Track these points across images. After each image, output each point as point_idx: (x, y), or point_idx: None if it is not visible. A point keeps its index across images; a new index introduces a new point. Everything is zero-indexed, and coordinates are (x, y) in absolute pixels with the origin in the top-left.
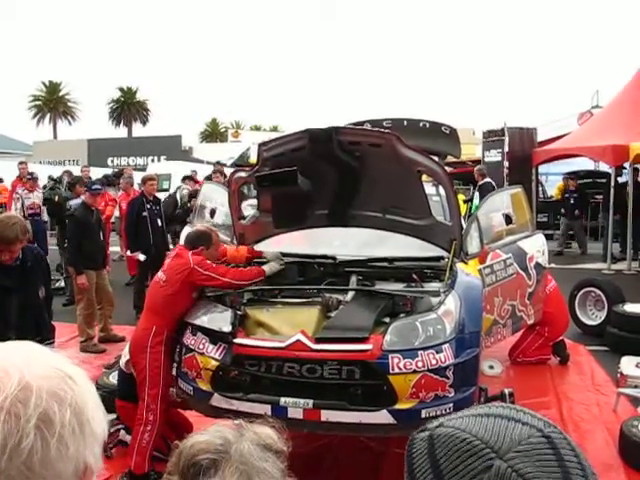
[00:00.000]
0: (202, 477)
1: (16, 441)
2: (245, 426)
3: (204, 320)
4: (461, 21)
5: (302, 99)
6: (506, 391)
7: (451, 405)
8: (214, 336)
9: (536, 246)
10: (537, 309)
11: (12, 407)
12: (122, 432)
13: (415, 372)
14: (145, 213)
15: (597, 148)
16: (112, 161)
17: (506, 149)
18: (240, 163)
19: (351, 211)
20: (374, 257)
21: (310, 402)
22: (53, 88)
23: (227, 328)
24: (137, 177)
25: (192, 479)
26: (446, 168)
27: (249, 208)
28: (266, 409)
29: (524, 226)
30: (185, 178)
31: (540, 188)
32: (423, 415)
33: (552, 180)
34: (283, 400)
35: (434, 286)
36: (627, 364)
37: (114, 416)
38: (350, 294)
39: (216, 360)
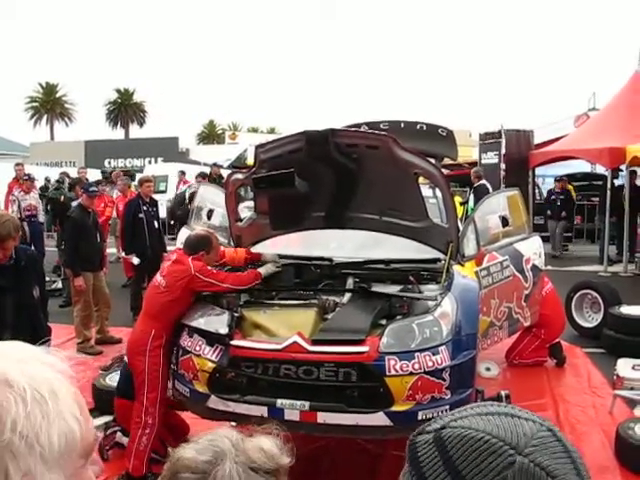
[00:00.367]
0: None
1: None
2: (241, 440)
3: (201, 322)
4: (458, 23)
5: (299, 101)
6: (503, 393)
7: (447, 407)
8: (211, 338)
9: (532, 248)
10: (533, 311)
11: None
12: (119, 434)
13: (412, 374)
14: (141, 215)
15: (594, 150)
16: (109, 163)
17: (503, 151)
18: (237, 165)
19: (348, 213)
20: (371, 259)
21: (307, 404)
22: (50, 89)
23: (224, 330)
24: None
25: None
26: (443, 170)
27: (246, 210)
28: (263, 411)
29: (520, 228)
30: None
31: (537, 190)
32: (420, 417)
33: (549, 182)
34: (280, 402)
35: (431, 288)
36: (623, 366)
37: (109, 418)
38: (347, 296)
39: (213, 362)
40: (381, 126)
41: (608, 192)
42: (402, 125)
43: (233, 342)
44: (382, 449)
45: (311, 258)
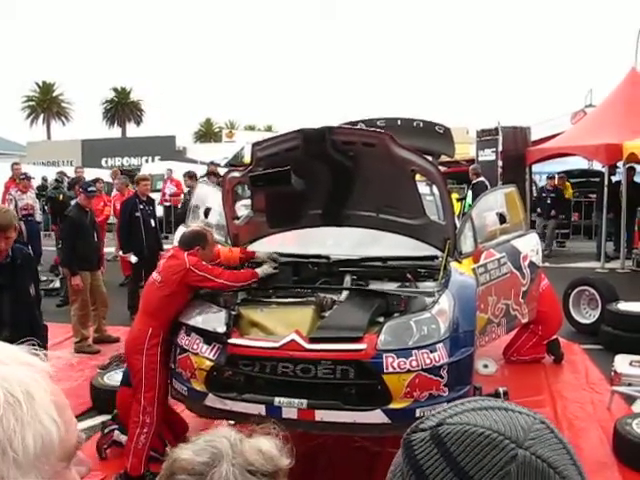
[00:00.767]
0: None
1: None
2: (239, 441)
3: (198, 320)
4: (455, 21)
5: (296, 99)
6: (500, 390)
7: (445, 404)
8: (208, 336)
9: (530, 245)
10: (531, 308)
11: None
12: (116, 432)
13: (409, 371)
14: (138, 213)
15: (590, 147)
16: (106, 162)
17: (500, 148)
18: (234, 163)
19: (345, 211)
20: (368, 257)
21: (304, 402)
22: (47, 88)
23: (221, 328)
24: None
25: None
26: (440, 167)
27: (243, 208)
28: (260, 409)
29: (518, 225)
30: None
31: (534, 187)
32: (417, 414)
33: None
34: (277, 400)
35: (428, 285)
36: (621, 362)
37: (108, 417)
38: (344, 294)
39: (210, 360)
40: (378, 123)
41: (605, 189)
42: (399, 122)
43: (231, 340)
44: (380, 447)
45: (308, 256)
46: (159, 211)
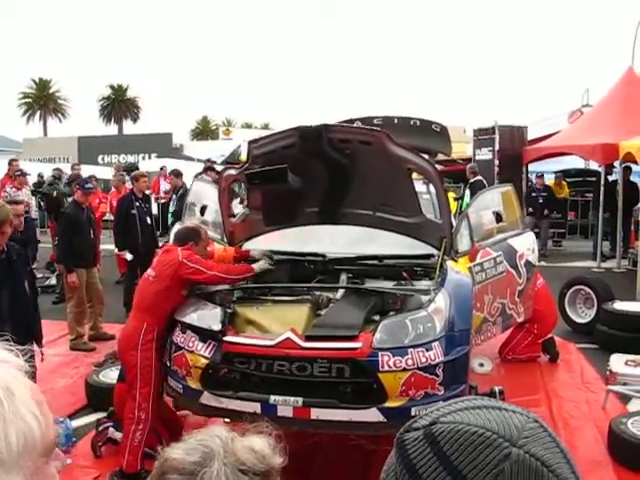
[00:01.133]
0: None
1: None
2: (231, 440)
3: (194, 318)
4: (452, 20)
5: (293, 97)
6: (496, 389)
7: (441, 403)
8: (204, 334)
9: (526, 244)
10: (527, 307)
11: None
12: (111, 430)
13: (405, 370)
14: (134, 211)
15: (587, 147)
16: (102, 159)
17: (497, 147)
18: (231, 161)
19: (341, 209)
20: (364, 255)
21: (300, 400)
22: (43, 85)
23: (217, 326)
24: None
25: None
26: (436, 166)
27: (239, 206)
28: (256, 407)
29: (514, 224)
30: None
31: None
32: (413, 413)
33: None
34: (273, 398)
35: (424, 284)
36: (616, 362)
37: (102, 415)
38: (340, 292)
39: (206, 358)
40: (375, 122)
41: (601, 188)
42: (396, 121)
43: (226, 338)
44: (375, 445)
45: (304, 254)
46: (154, 208)
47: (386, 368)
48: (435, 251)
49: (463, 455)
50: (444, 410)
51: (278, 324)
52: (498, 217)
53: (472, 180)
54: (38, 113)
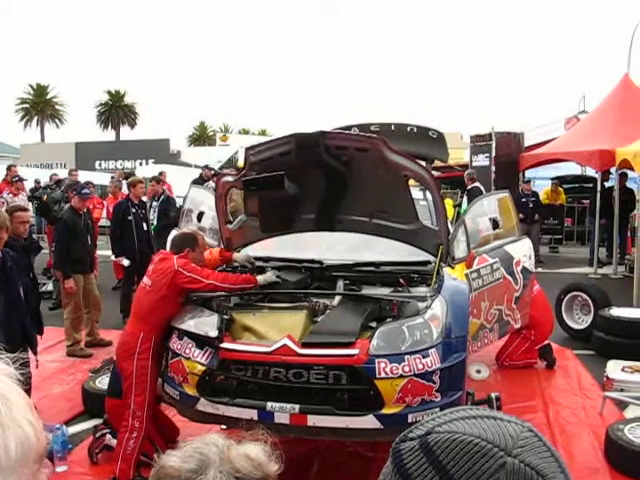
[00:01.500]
0: None
1: None
2: (227, 447)
3: (190, 324)
4: (449, 27)
5: (290, 103)
6: (493, 395)
7: (438, 410)
8: (200, 341)
9: (523, 251)
10: (524, 313)
11: None
12: (108, 436)
13: (402, 377)
14: (130, 217)
15: (584, 153)
16: (100, 164)
17: (493, 154)
18: (228, 167)
19: (338, 215)
20: (361, 261)
21: (297, 407)
22: (41, 91)
23: (213, 333)
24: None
25: None
26: (433, 173)
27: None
28: (252, 414)
29: (511, 231)
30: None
31: None
32: (410, 420)
33: (539, 185)
34: (269, 405)
35: (421, 291)
36: (613, 368)
37: (99, 421)
38: (337, 298)
39: (202, 365)
40: (372, 128)
41: (598, 194)
42: (393, 127)
43: (223, 345)
44: (373, 452)
45: (301, 260)
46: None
47: (383, 375)
48: (432, 258)
49: (459, 465)
50: (439, 420)
51: (275, 331)
52: (495, 224)
53: (470, 187)
54: (35, 119)
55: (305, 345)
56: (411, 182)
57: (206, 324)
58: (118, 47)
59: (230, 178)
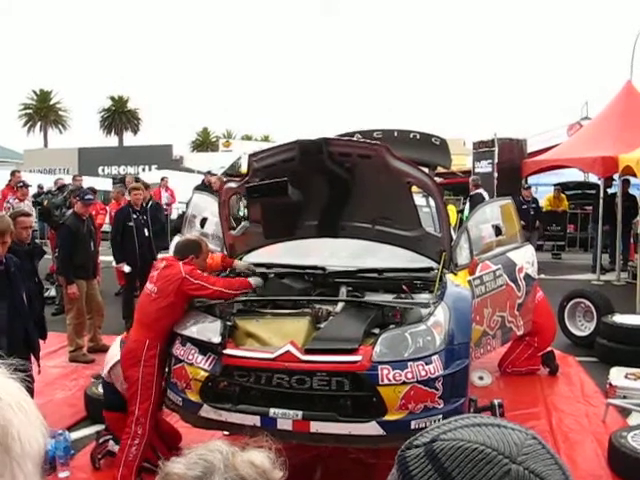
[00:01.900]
0: None
1: None
2: (232, 454)
3: (193, 331)
4: (452, 33)
5: (293, 109)
6: (496, 402)
7: (440, 416)
8: (203, 347)
9: (525, 257)
10: (526, 320)
11: None
12: (111, 442)
13: (405, 383)
14: (131, 223)
15: (586, 159)
16: (103, 170)
17: (496, 160)
18: (231, 173)
19: (341, 222)
20: (364, 268)
21: (299, 413)
22: (44, 96)
23: (216, 339)
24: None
25: None
26: (436, 179)
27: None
28: (255, 420)
29: (514, 237)
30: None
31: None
32: (412, 426)
33: (542, 191)
34: (272, 411)
35: (424, 297)
36: (616, 375)
37: (102, 427)
38: (340, 305)
39: (205, 371)
40: (374, 135)
41: (601, 201)
42: (395, 134)
43: (226, 351)
44: (375, 459)
45: (304, 267)
46: None
47: (386, 381)
48: (435, 264)
49: (464, 472)
50: (444, 427)
51: (278, 337)
52: (497, 230)
53: (472, 193)
54: (39, 124)
55: (308, 351)
56: (414, 188)
57: (209, 330)
58: (121, 53)
59: (234, 184)
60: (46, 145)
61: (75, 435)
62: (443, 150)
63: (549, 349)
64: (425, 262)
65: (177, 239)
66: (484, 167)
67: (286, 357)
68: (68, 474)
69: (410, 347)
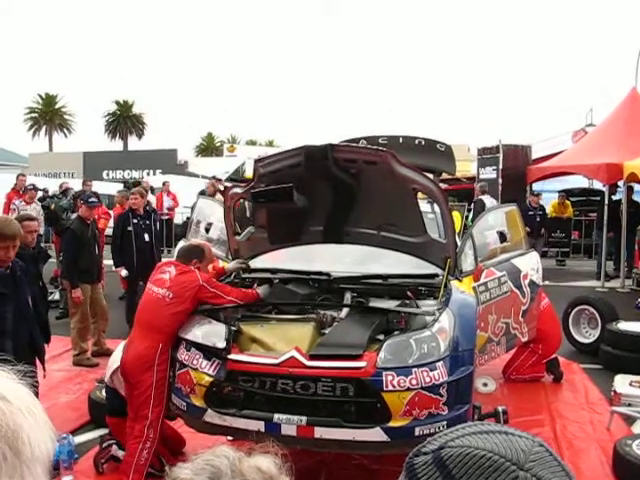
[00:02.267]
0: None
1: None
2: (239, 459)
3: (198, 335)
4: (457, 39)
5: (297, 114)
6: (500, 409)
7: (445, 423)
8: (208, 352)
9: (530, 264)
10: (531, 327)
11: None
12: (114, 447)
13: (409, 390)
14: (130, 228)
15: (591, 166)
16: (107, 174)
17: (501, 166)
18: (235, 178)
19: (346, 228)
20: (369, 274)
21: (304, 419)
22: (49, 100)
23: (221, 344)
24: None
25: None
26: (441, 185)
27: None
28: (259, 426)
29: (518, 244)
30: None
31: None
32: (417, 433)
33: (546, 197)
34: (277, 417)
35: (428, 304)
36: (621, 382)
37: (105, 431)
38: (344, 311)
39: (210, 376)
40: (380, 141)
41: (605, 208)
42: (401, 140)
43: (230, 356)
44: (379, 465)
45: (309, 272)
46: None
47: (390, 388)
48: (439, 271)
49: (472, 478)
50: (452, 435)
51: (282, 342)
52: (502, 237)
53: (475, 199)
54: (44, 128)
55: (312, 357)
56: (419, 195)
57: (214, 335)
58: (127, 57)
59: (239, 190)
60: (51, 149)
61: (79, 439)
62: (448, 156)
63: (554, 356)
64: (430, 268)
65: (181, 244)
66: (489, 173)
67: (291, 363)
68: (71, 478)
69: (415, 353)
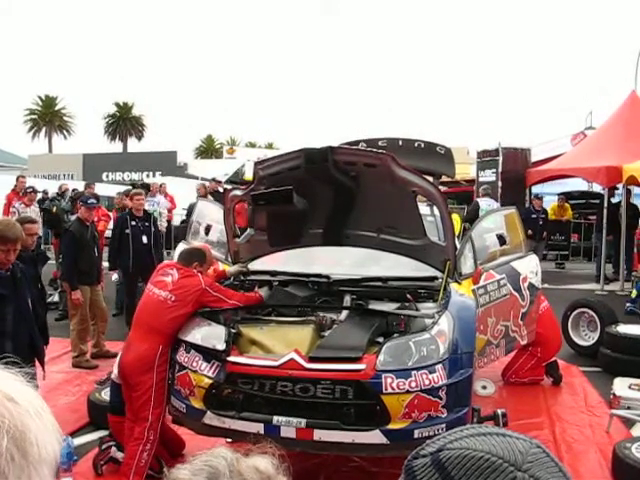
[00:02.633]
0: None
1: None
2: (236, 460)
3: (198, 338)
4: (456, 41)
5: (297, 117)
6: (499, 412)
7: (444, 425)
8: (208, 354)
9: (529, 267)
10: (530, 330)
11: None
12: (113, 449)
13: (408, 392)
14: (128, 230)
15: (590, 169)
16: (107, 176)
17: (500, 169)
18: (235, 180)
19: (346, 230)
20: (368, 276)
21: (303, 421)
22: (49, 102)
23: (221, 346)
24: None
25: None
26: (440, 188)
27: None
28: (259, 428)
29: (518, 247)
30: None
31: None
32: (416, 435)
33: (546, 200)
34: (276, 419)
35: (428, 306)
36: (620, 385)
37: (105, 433)
38: (344, 313)
39: (209, 378)
40: (379, 144)
41: (605, 210)
42: (400, 143)
43: (230, 358)
44: (378, 467)
45: (309, 275)
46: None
47: (389, 390)
48: (439, 273)
49: None
50: (450, 437)
51: (282, 345)
52: (501, 240)
53: (473, 202)
54: (43, 130)
55: (312, 359)
56: (419, 197)
57: (213, 337)
58: (127, 59)
59: (239, 192)
60: (50, 150)
61: (78, 441)
62: (448, 159)
63: (553, 359)
64: (429, 271)
65: (182, 246)
66: (488, 176)
67: (290, 365)
68: None
69: (414, 356)
